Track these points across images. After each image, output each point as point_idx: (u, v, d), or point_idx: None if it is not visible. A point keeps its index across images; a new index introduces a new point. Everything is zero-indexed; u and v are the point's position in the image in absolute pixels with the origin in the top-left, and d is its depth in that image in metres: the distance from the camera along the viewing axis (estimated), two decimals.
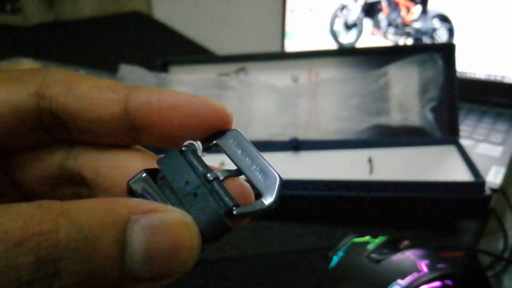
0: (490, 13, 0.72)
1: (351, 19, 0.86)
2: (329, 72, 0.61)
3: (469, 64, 0.75)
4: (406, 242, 0.36)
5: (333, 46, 0.88)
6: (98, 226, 0.11)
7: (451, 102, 0.56)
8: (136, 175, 0.14)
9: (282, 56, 0.66)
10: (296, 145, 0.58)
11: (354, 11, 0.85)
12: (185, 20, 1.18)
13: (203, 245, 0.13)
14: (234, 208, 0.14)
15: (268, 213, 0.14)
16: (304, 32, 0.90)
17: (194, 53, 1.03)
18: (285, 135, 0.59)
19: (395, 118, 0.57)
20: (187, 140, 0.15)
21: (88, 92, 0.15)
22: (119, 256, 0.11)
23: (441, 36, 0.78)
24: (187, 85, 0.63)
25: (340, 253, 0.36)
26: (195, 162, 0.15)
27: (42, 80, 0.14)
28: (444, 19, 0.77)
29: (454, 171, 0.48)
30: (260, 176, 0.15)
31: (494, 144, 0.63)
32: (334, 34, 0.88)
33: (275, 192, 0.15)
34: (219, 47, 1.05)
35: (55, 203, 0.11)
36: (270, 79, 0.61)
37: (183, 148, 0.15)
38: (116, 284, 0.11)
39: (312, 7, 0.88)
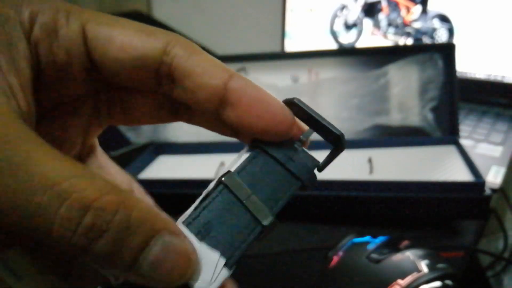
0: (490, 13, 0.72)
1: (351, 19, 0.86)
2: (329, 72, 0.61)
3: (469, 64, 0.75)
4: (406, 242, 0.36)
5: (333, 46, 0.88)
6: (139, 224, 0.15)
7: (451, 102, 0.56)
8: (225, 173, 0.18)
9: (282, 56, 0.66)
10: None
11: (354, 11, 0.85)
12: (185, 20, 1.18)
13: (305, 189, 0.20)
14: (319, 163, 0.20)
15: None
16: (304, 32, 0.90)
17: None
18: None
19: (395, 118, 0.58)
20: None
21: (205, 63, 0.18)
22: (139, 250, 0.15)
23: (441, 36, 0.78)
24: None
25: (340, 253, 0.36)
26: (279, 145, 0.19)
27: (168, 40, 0.17)
28: (444, 19, 0.77)
29: (454, 171, 0.48)
30: (326, 134, 0.20)
31: (494, 144, 0.63)
32: (334, 34, 0.88)
33: (341, 142, 0.19)
34: (219, 47, 1.05)
35: (124, 191, 0.15)
36: (270, 79, 0.61)
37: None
38: (128, 265, 0.15)
39: (312, 7, 0.88)
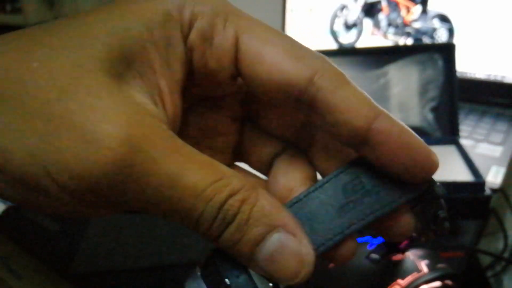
0: (490, 13, 0.72)
1: (351, 19, 0.86)
2: None
3: (469, 64, 0.75)
4: (406, 242, 0.36)
5: (333, 46, 0.88)
6: (258, 218, 0.16)
7: (451, 102, 0.56)
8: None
9: None
10: None
11: (354, 11, 0.85)
12: None
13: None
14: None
15: None
16: (304, 32, 0.90)
17: None
18: None
19: (395, 118, 0.57)
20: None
21: (350, 99, 0.17)
22: (255, 243, 0.16)
23: (441, 36, 0.78)
24: None
25: None
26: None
27: (316, 69, 0.17)
28: (444, 19, 0.77)
29: (454, 171, 0.48)
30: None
31: (494, 144, 0.63)
32: (334, 34, 0.88)
33: None
34: None
35: (251, 188, 0.16)
36: None
37: None
38: (248, 256, 0.16)
39: (312, 7, 0.88)
